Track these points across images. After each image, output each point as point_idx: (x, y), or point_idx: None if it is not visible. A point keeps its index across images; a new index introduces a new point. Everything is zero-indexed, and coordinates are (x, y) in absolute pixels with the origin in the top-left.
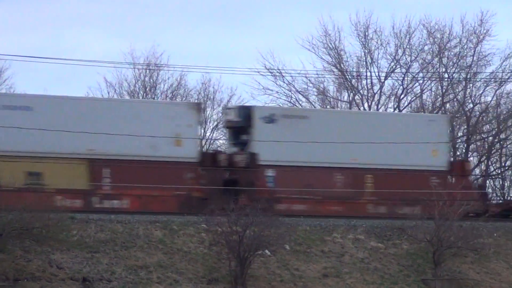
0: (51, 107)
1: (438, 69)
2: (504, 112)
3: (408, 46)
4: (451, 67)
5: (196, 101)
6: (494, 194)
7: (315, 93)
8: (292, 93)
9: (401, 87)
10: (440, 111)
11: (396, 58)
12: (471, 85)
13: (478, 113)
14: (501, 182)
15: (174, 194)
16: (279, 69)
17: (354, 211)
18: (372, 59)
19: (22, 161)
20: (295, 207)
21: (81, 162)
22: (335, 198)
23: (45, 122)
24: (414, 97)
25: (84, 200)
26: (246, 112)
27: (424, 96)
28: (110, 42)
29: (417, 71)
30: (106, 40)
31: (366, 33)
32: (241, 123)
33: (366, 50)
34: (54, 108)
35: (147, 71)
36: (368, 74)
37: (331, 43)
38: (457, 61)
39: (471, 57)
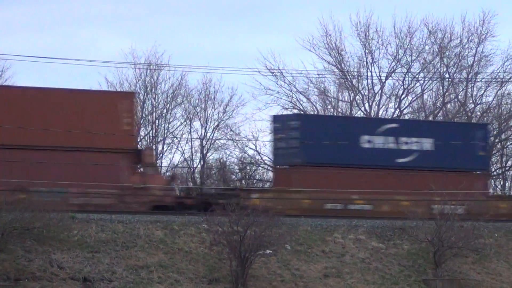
0: None
1: (439, 69)
2: (505, 112)
3: (409, 46)
4: (452, 67)
5: None
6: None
7: (316, 93)
8: (293, 93)
9: (402, 87)
10: (441, 111)
11: (397, 58)
12: (472, 85)
13: (479, 113)
14: (502, 182)
15: None
16: (280, 69)
17: None
18: (373, 59)
19: None
20: None
21: None
22: None
23: None
24: (415, 97)
25: None
26: None
27: (425, 96)
28: (115, 41)
29: (418, 71)
30: (116, 39)
31: (367, 33)
32: None
33: (366, 50)
34: None
35: (148, 70)
36: (369, 74)
37: (331, 43)
38: (458, 61)
39: (472, 57)
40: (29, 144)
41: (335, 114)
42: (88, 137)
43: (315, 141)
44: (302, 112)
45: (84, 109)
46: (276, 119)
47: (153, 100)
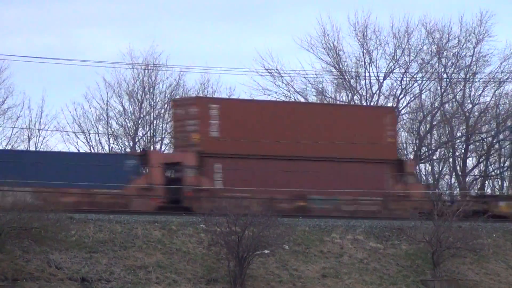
0: None
1: (437, 69)
2: (503, 112)
3: (407, 46)
4: (450, 67)
5: None
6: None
7: (314, 94)
8: (291, 93)
9: (400, 87)
10: (439, 112)
11: (395, 58)
12: (470, 85)
13: (477, 113)
14: (500, 183)
15: None
16: (277, 70)
17: None
18: (370, 59)
19: None
20: None
21: None
22: None
23: None
24: (413, 97)
25: None
26: None
27: (423, 96)
28: (113, 42)
29: (416, 71)
30: (113, 40)
31: (365, 33)
32: None
33: (364, 50)
34: None
35: (146, 71)
36: (367, 74)
37: (329, 43)
38: (456, 61)
39: (470, 57)
40: (307, 155)
41: None
42: (357, 148)
43: None
44: None
45: (355, 123)
46: None
47: (151, 101)
